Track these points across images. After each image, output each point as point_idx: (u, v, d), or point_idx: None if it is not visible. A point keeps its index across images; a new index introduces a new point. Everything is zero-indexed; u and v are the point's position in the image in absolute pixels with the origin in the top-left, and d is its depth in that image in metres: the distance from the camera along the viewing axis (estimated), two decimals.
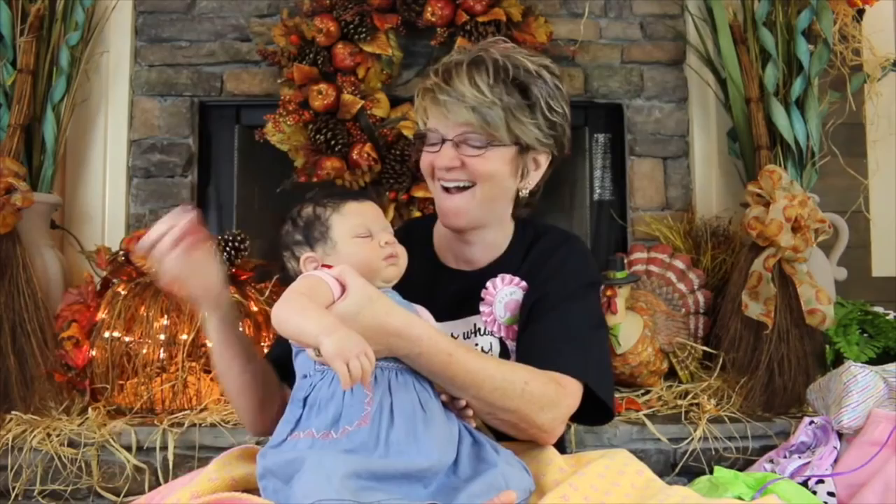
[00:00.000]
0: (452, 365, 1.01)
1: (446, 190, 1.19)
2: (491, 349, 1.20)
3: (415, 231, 1.34)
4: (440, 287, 1.25)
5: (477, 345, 1.21)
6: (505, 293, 1.21)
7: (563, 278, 1.19)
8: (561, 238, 1.27)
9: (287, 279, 1.08)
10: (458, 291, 1.23)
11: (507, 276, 1.21)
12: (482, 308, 1.21)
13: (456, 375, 1.01)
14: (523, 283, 1.21)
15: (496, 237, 1.26)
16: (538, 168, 1.23)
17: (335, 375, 0.94)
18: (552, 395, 1.06)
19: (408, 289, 1.23)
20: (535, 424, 1.06)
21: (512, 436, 1.09)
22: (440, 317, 1.21)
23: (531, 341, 1.16)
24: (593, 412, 1.15)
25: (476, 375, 1.02)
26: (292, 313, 0.93)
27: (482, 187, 1.17)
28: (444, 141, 1.16)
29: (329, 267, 1.03)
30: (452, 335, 1.21)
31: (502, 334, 1.20)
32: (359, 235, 1.06)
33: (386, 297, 1.01)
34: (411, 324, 0.99)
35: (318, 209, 1.08)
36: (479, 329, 1.21)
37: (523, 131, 1.17)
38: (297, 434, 0.96)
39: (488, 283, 1.21)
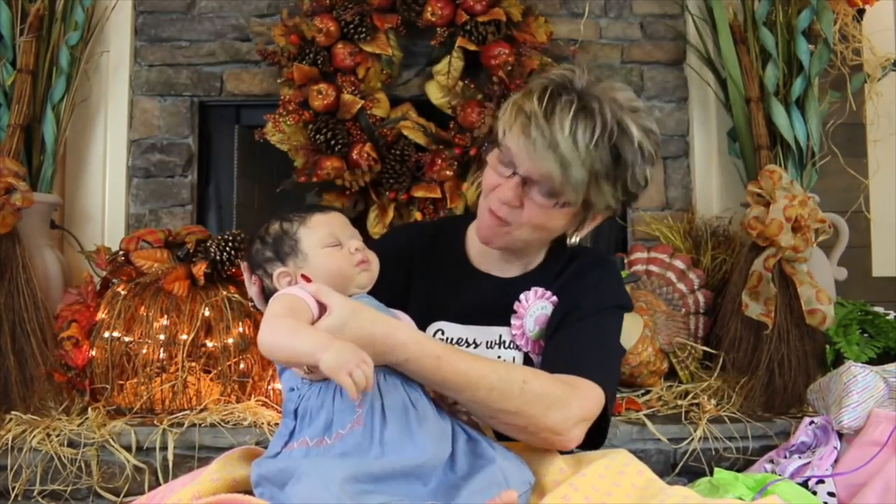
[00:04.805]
0: (442, 367, 0.99)
1: (490, 215, 1.14)
2: (514, 363, 1.18)
3: (447, 229, 1.33)
4: (468, 289, 1.24)
5: (500, 357, 1.18)
6: (537, 307, 1.19)
7: (595, 295, 1.18)
8: (598, 260, 1.26)
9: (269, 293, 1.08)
10: (486, 297, 1.22)
11: (540, 290, 1.20)
12: (513, 321, 1.19)
13: (447, 378, 1.00)
14: (554, 298, 1.20)
15: (533, 252, 1.25)
16: (594, 221, 1.19)
17: (322, 385, 0.96)
18: (558, 393, 1.03)
19: (434, 286, 1.23)
20: (544, 426, 1.02)
21: (525, 441, 1.06)
22: (465, 320, 1.21)
23: (556, 347, 1.14)
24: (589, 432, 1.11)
25: (468, 377, 1.00)
26: (281, 337, 0.93)
27: (522, 231, 1.14)
28: (515, 174, 1.10)
29: (307, 279, 1.03)
30: (476, 342, 1.20)
31: (529, 348, 1.19)
32: (328, 245, 1.07)
33: (368, 307, 1.00)
34: (396, 329, 0.99)
35: (285, 224, 1.09)
36: (505, 342, 1.20)
37: (599, 198, 1.11)
38: (291, 445, 0.96)
39: (521, 297, 1.20)
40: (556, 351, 1.14)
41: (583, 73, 1.12)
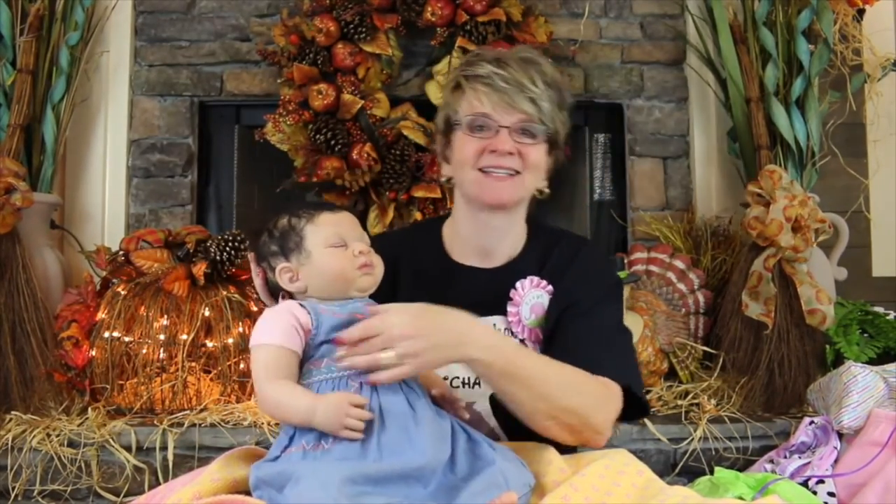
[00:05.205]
0: (518, 363, 1.04)
1: (486, 175, 1.20)
2: None
3: (423, 232, 1.35)
4: (456, 284, 1.26)
5: None
6: (532, 296, 1.22)
7: (588, 284, 1.22)
8: (578, 243, 1.30)
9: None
10: (474, 290, 1.24)
11: (535, 279, 1.23)
12: (510, 308, 1.21)
13: (531, 374, 1.04)
14: (549, 287, 1.22)
15: (517, 232, 1.28)
16: (553, 159, 1.27)
17: (319, 389, 0.99)
18: (601, 393, 1.10)
19: (419, 286, 1.23)
20: (591, 426, 1.07)
21: (562, 442, 1.10)
22: None
23: (567, 349, 1.16)
24: (630, 410, 1.18)
25: (544, 372, 1.05)
26: (276, 412, 0.99)
27: (529, 176, 1.21)
28: (500, 128, 1.18)
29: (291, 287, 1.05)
30: None
31: (525, 335, 1.21)
32: (332, 245, 1.07)
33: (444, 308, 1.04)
34: (474, 325, 1.04)
35: (293, 220, 1.09)
36: (500, 329, 1.22)
37: (562, 127, 1.24)
38: (290, 449, 0.97)
39: (517, 284, 1.22)
40: (567, 351, 1.15)
41: (489, 50, 1.27)
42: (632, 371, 1.18)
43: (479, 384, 1.20)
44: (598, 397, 1.09)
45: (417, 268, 1.27)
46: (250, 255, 1.15)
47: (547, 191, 1.27)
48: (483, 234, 1.26)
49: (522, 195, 1.23)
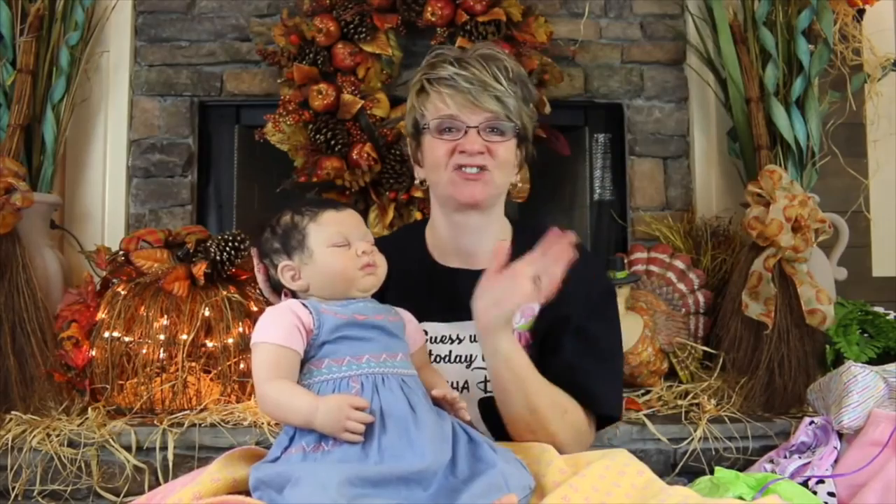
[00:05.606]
0: (531, 370, 1.11)
1: (459, 174, 1.20)
2: None
3: (406, 236, 1.36)
4: (441, 287, 1.25)
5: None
6: None
7: (580, 298, 1.20)
8: None
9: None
10: (462, 292, 1.21)
11: None
12: None
13: (532, 384, 1.11)
14: None
15: (497, 232, 1.27)
16: (523, 155, 1.29)
17: (319, 390, 0.99)
18: (585, 431, 1.18)
19: (405, 291, 1.22)
20: (564, 453, 1.10)
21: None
22: (446, 317, 1.22)
23: (557, 367, 1.17)
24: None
25: (542, 387, 1.11)
26: (277, 413, 1.01)
27: (498, 173, 1.21)
28: (468, 128, 1.19)
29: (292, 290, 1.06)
30: (459, 337, 1.22)
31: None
32: (335, 244, 1.06)
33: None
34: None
35: (296, 217, 1.09)
36: None
37: (528, 122, 1.25)
38: (290, 450, 0.97)
39: None
40: (558, 370, 1.16)
41: (450, 49, 1.26)
42: (614, 400, 1.23)
43: (467, 389, 1.20)
44: (579, 432, 1.16)
45: (403, 269, 1.25)
46: (253, 251, 1.15)
47: (520, 185, 1.27)
48: (461, 235, 1.26)
49: (494, 192, 1.23)
